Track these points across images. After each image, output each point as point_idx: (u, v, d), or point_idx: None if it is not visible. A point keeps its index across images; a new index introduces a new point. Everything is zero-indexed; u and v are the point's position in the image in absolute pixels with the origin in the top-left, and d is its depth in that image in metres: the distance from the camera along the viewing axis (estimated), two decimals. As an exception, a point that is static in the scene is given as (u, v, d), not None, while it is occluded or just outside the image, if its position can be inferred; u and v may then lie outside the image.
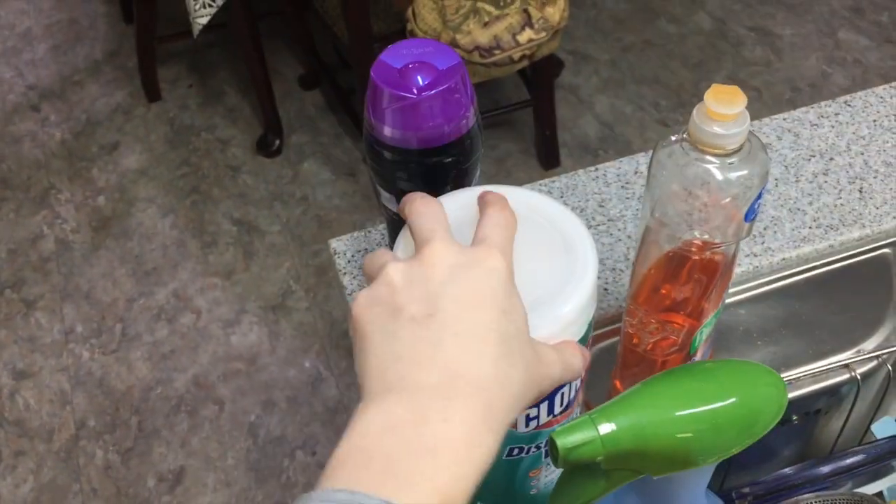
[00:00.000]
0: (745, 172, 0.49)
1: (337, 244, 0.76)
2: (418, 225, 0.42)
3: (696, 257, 0.54)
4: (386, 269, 0.39)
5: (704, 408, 0.38)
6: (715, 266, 0.54)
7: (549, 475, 0.54)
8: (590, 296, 0.45)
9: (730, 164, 0.49)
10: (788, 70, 2.28)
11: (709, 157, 0.48)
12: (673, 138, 0.51)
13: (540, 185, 0.81)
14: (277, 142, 2.14)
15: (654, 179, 0.52)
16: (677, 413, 0.38)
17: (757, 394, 0.39)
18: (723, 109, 0.47)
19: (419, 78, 0.53)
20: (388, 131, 0.54)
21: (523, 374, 0.37)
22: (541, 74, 1.93)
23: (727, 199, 0.50)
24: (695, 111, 0.48)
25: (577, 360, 0.41)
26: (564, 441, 0.37)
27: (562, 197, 0.79)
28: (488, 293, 0.38)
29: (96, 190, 2.09)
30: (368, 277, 0.41)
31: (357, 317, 0.38)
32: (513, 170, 2.08)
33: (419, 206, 0.43)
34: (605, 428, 0.37)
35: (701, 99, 0.48)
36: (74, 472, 1.59)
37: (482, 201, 0.45)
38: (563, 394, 0.47)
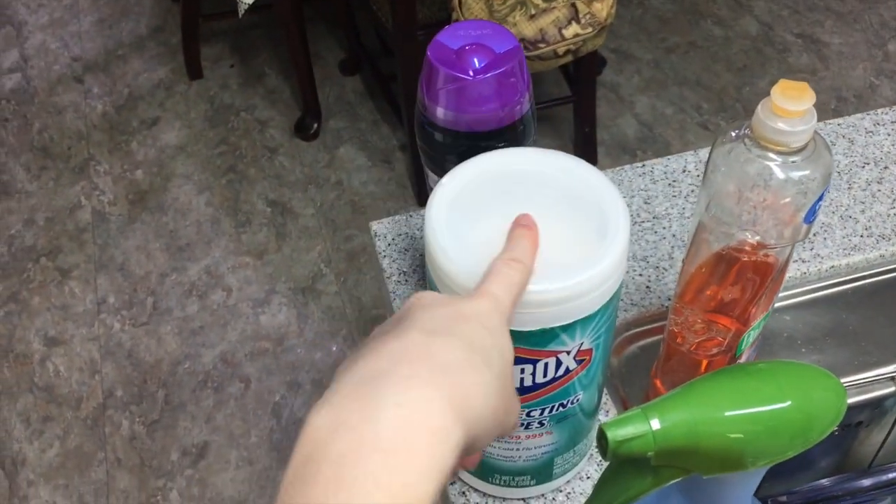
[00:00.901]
0: (807, 172, 0.48)
1: (378, 227, 0.76)
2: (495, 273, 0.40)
3: (749, 258, 0.53)
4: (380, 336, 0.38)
5: (760, 409, 0.37)
6: (768, 268, 0.53)
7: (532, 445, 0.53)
8: (619, 260, 0.45)
9: (792, 162, 0.47)
10: (834, 79, 2.24)
11: (771, 155, 0.47)
12: (734, 133, 0.50)
13: (585, 178, 0.80)
14: (315, 125, 2.14)
15: (711, 174, 0.50)
16: (731, 412, 0.37)
17: (815, 398, 0.38)
18: (789, 105, 0.45)
19: (475, 60, 0.52)
20: (440, 112, 0.54)
21: (499, 384, 0.34)
22: (583, 71, 1.91)
23: (786, 200, 0.49)
24: (760, 106, 0.47)
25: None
26: (615, 434, 0.36)
27: (607, 191, 0.78)
28: (467, 317, 0.36)
29: (134, 163, 2.11)
30: None
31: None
32: (549, 165, 2.06)
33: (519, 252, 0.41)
34: (658, 423, 0.36)
35: (743, 104, 0.47)
36: (100, 440, 1.61)
37: (507, 246, 0.42)
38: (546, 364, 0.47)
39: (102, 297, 1.83)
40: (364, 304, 1.81)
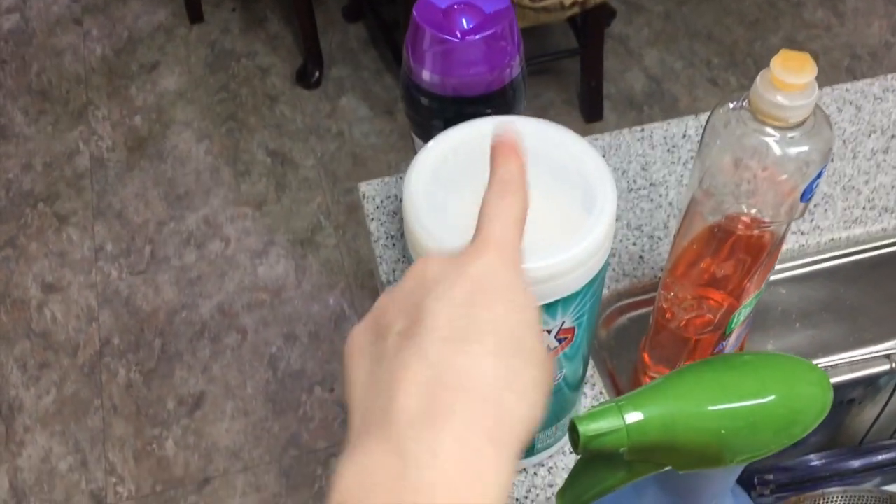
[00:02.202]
0: (806, 148, 0.45)
1: (366, 188, 0.74)
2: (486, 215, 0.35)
3: (743, 234, 0.51)
4: (377, 302, 0.34)
5: (740, 404, 0.35)
6: (762, 245, 0.51)
7: None
8: (603, 238, 0.43)
9: (791, 137, 0.45)
10: (849, 36, 2.18)
11: (769, 129, 0.45)
12: (731, 105, 0.47)
13: (582, 141, 0.78)
14: (317, 73, 2.11)
15: (706, 147, 0.48)
16: (711, 407, 0.35)
17: (799, 392, 0.36)
18: (790, 78, 0.43)
19: (464, 20, 0.50)
20: (426, 75, 0.52)
21: (538, 372, 0.30)
22: (591, 23, 1.86)
23: (783, 176, 0.47)
24: (759, 77, 0.45)
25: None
26: (587, 428, 0.34)
27: (604, 156, 0.76)
28: (483, 288, 0.31)
29: (133, 109, 2.08)
30: None
31: (346, 351, 0.33)
32: (554, 120, 1.99)
33: (497, 191, 0.35)
34: (632, 417, 0.35)
35: (755, 59, 0.45)
36: (96, 387, 1.61)
37: (492, 171, 0.36)
38: None
39: (100, 244, 1.82)
40: (362, 258, 1.80)
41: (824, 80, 0.84)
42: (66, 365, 1.64)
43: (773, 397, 0.35)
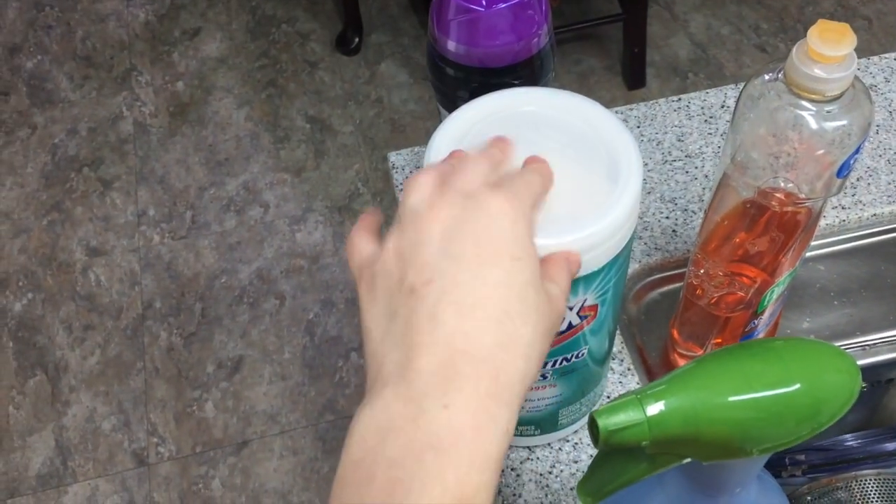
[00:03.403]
0: (844, 123, 0.44)
1: (396, 158, 0.73)
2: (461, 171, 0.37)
3: (777, 210, 0.50)
4: (387, 238, 0.35)
5: (764, 393, 0.34)
6: (796, 222, 0.50)
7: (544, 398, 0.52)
8: (626, 217, 0.42)
9: (828, 112, 0.43)
10: (908, 0, 2.10)
11: (804, 103, 0.43)
12: (767, 77, 0.46)
13: (616, 111, 0.76)
14: (357, 39, 2.10)
15: (739, 120, 0.47)
16: (733, 398, 0.34)
17: (825, 381, 0.35)
18: (827, 50, 0.41)
19: (490, -11, 0.49)
20: (452, 46, 0.50)
21: (536, 328, 0.33)
22: (636, -13, 1.82)
23: (820, 151, 0.45)
24: (795, 48, 0.43)
25: (567, 276, 0.38)
26: (607, 422, 0.34)
27: (638, 127, 0.74)
28: (492, 242, 0.33)
29: (176, 75, 2.09)
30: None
31: (358, 276, 0.35)
32: (595, 87, 1.99)
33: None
34: (654, 409, 0.34)
35: (806, 25, 0.43)
36: (139, 350, 1.64)
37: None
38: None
39: (143, 209, 1.85)
40: (400, 225, 1.80)
41: (877, 45, 0.80)
42: (109, 327, 1.67)
43: (798, 386, 0.34)
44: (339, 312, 1.68)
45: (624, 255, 0.45)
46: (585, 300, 0.45)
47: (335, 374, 1.60)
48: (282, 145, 1.95)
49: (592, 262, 0.43)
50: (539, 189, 0.39)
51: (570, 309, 0.45)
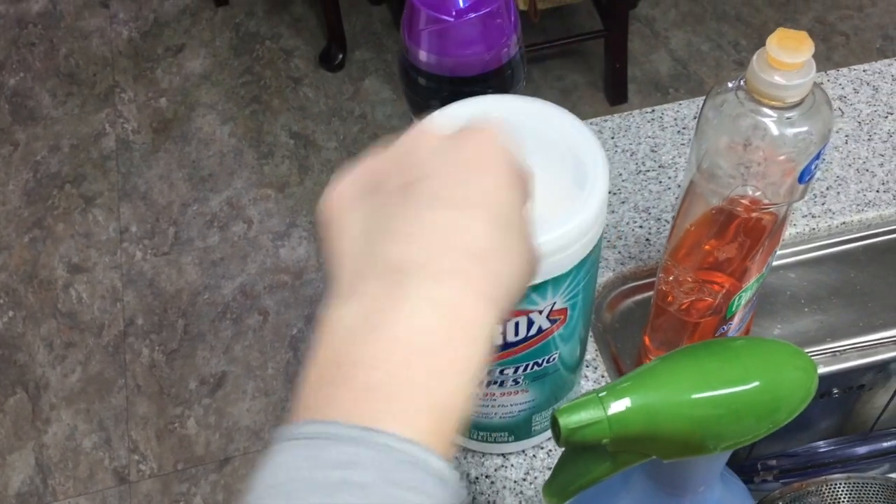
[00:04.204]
0: (804, 129, 0.45)
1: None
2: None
3: (743, 216, 0.50)
4: (368, 155, 0.33)
5: (723, 391, 0.35)
6: (761, 228, 0.50)
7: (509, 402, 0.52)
8: (592, 220, 0.42)
9: (788, 118, 0.44)
10: (881, 16, 2.13)
11: (766, 110, 0.44)
12: (730, 85, 0.47)
13: (591, 122, 0.77)
14: (340, 56, 2.11)
15: (704, 128, 0.48)
16: (693, 396, 0.35)
17: (783, 378, 0.36)
18: (786, 57, 0.42)
19: (460, 0, 0.49)
20: (423, 56, 0.51)
21: (525, 249, 0.32)
22: (616, 3, 1.84)
23: (782, 157, 0.46)
24: (755, 57, 0.44)
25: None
26: (568, 420, 0.34)
27: (613, 138, 0.75)
28: (485, 158, 0.32)
29: (159, 91, 2.10)
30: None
31: (328, 204, 0.32)
32: (578, 103, 2.01)
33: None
34: (614, 408, 0.34)
35: None
36: (121, 367, 1.64)
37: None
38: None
39: (125, 225, 1.85)
40: (383, 240, 1.80)
41: (855, 61, 0.82)
42: (91, 344, 1.67)
43: (756, 384, 0.35)
44: (323, 327, 1.68)
45: (592, 258, 0.46)
46: (555, 303, 0.45)
47: (318, 389, 1.60)
48: (265, 161, 1.95)
49: (561, 264, 0.43)
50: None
51: (540, 312, 0.45)
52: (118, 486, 1.49)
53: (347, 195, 0.32)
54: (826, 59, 2.01)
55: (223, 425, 1.56)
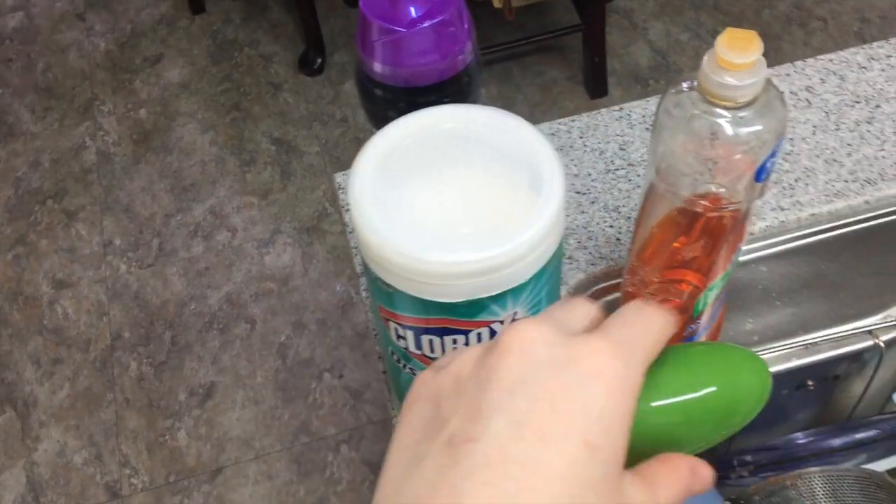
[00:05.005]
0: (758, 128, 0.44)
1: (342, 179, 0.73)
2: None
3: (704, 216, 0.50)
4: (464, 351, 0.28)
5: (680, 398, 0.34)
6: (721, 227, 0.50)
7: None
8: (549, 228, 0.42)
9: (741, 117, 0.44)
10: (858, 0, 2.13)
11: (719, 110, 0.44)
12: (684, 85, 0.47)
13: (559, 123, 0.77)
14: (319, 60, 2.10)
15: (659, 130, 0.47)
16: (651, 404, 0.34)
17: (737, 383, 0.36)
18: (735, 58, 0.42)
19: (411, 9, 0.49)
20: (378, 67, 0.51)
21: None
22: (592, -3, 1.84)
23: (738, 156, 0.46)
24: (705, 58, 0.44)
25: (676, 493, 0.29)
26: None
27: (581, 137, 0.75)
28: (571, 414, 0.25)
29: (138, 102, 2.09)
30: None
31: (404, 407, 0.28)
32: (559, 98, 2.01)
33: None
34: None
35: (763, 28, 0.44)
36: (109, 381, 1.63)
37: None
38: None
39: (108, 238, 1.84)
40: (368, 243, 1.80)
41: (833, 46, 0.81)
42: (78, 360, 1.66)
43: (710, 390, 0.35)
44: (311, 334, 1.68)
45: (552, 265, 0.46)
46: (516, 313, 0.45)
47: (308, 395, 1.60)
48: (248, 168, 1.95)
49: (519, 274, 0.43)
50: (657, 340, 0.30)
51: (501, 323, 0.45)
52: (110, 500, 1.49)
53: (412, 414, 0.28)
54: (804, 44, 2.01)
55: (214, 436, 1.55)
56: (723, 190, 0.48)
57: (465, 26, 0.51)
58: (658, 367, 0.36)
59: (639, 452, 0.36)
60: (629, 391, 0.27)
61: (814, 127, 0.73)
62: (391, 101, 0.52)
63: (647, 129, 0.75)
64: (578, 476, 0.25)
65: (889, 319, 0.67)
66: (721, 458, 0.63)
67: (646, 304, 0.30)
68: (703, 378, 0.35)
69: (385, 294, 0.45)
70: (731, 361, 0.36)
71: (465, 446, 0.25)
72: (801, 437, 0.67)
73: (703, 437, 0.36)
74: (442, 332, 0.45)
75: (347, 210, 0.72)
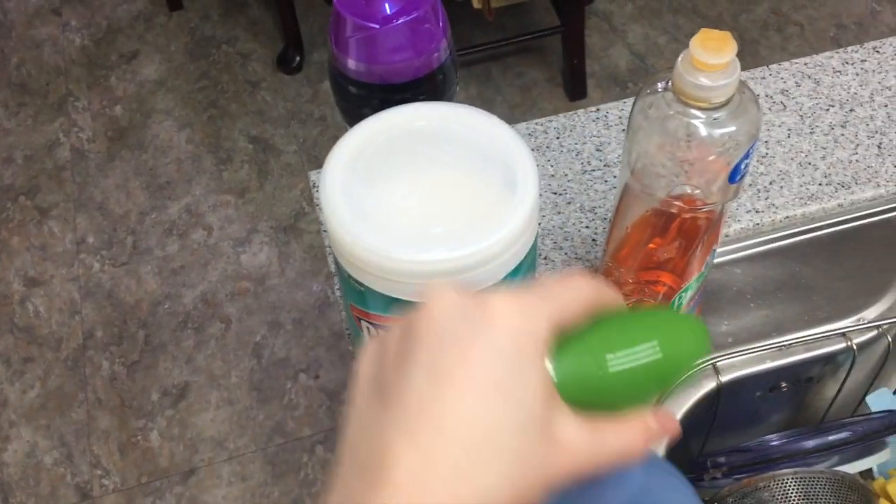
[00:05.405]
0: (732, 129, 0.44)
1: (316, 177, 0.73)
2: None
3: (679, 216, 0.50)
4: (395, 322, 0.32)
5: (619, 353, 0.34)
6: (696, 228, 0.50)
7: None
8: (521, 229, 0.42)
9: (715, 119, 0.44)
10: (835, 5, 2.15)
11: (693, 111, 0.44)
12: (658, 87, 0.46)
13: (536, 123, 0.77)
14: (298, 58, 2.09)
15: (634, 131, 0.47)
16: (606, 355, 0.34)
17: (677, 338, 0.35)
18: (709, 59, 0.42)
19: (385, 6, 0.49)
20: (352, 64, 0.50)
21: (506, 477, 0.28)
22: (571, -1, 1.84)
23: (711, 157, 0.46)
24: (680, 59, 0.44)
25: (633, 439, 0.32)
26: None
27: (558, 138, 0.75)
28: (481, 362, 0.28)
29: (114, 99, 2.07)
30: None
31: (357, 372, 0.32)
32: (538, 99, 2.01)
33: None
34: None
35: (740, 32, 0.44)
36: (81, 381, 1.61)
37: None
38: None
39: (82, 236, 1.82)
40: (345, 243, 1.79)
41: (810, 50, 0.82)
42: (49, 359, 1.64)
43: (650, 343, 0.34)
44: (287, 334, 1.67)
45: (526, 265, 0.45)
46: (488, 314, 0.44)
47: (284, 396, 1.59)
48: (224, 167, 1.93)
49: (493, 273, 0.43)
50: (569, 303, 0.32)
51: (473, 323, 0.45)
52: (81, 502, 1.47)
53: (361, 378, 0.31)
54: (781, 49, 2.03)
55: (187, 436, 1.54)
56: (697, 191, 0.48)
57: (441, 24, 0.50)
58: (601, 328, 0.36)
59: (586, 408, 0.35)
60: (533, 339, 0.29)
61: (788, 130, 0.73)
62: (365, 98, 0.52)
63: (623, 130, 0.75)
64: (493, 418, 0.28)
65: (862, 322, 0.67)
66: (694, 459, 0.63)
67: (577, 273, 0.33)
68: (644, 334, 0.35)
69: (357, 293, 0.45)
70: (671, 320, 0.36)
71: (392, 399, 0.28)
72: (774, 439, 0.67)
73: (644, 390, 0.35)
74: (414, 332, 0.44)
75: (320, 208, 0.71)
